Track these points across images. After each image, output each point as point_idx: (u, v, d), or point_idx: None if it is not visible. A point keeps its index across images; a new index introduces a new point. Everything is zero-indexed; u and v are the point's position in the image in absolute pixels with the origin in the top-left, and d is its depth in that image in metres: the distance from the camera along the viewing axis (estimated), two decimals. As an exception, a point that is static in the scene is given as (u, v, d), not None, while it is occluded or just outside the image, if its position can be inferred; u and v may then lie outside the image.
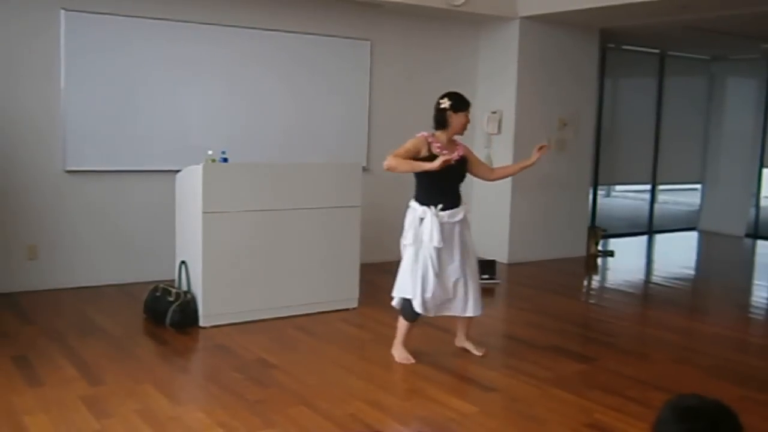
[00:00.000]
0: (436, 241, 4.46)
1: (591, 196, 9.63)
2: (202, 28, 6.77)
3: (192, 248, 5.44)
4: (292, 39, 7.24)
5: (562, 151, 8.51)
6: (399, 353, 4.75)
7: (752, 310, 6.85)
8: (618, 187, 16.02)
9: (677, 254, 9.86)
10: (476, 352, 4.90)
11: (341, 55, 7.57)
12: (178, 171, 5.75)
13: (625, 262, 8.86)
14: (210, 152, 5.61)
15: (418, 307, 4.54)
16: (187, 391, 4.37)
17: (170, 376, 4.51)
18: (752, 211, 11.05)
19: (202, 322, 5.37)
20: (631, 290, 7.45)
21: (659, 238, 10.88)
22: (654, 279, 8.27)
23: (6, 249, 6.21)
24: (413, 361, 4.70)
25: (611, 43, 9.69)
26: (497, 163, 8.20)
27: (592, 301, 7.18)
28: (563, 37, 8.37)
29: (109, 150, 6.48)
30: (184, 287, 5.52)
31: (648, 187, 11.33)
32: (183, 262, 5.58)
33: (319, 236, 5.80)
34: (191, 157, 5.96)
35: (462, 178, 4.69)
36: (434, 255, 4.50)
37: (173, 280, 5.67)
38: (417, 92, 7.94)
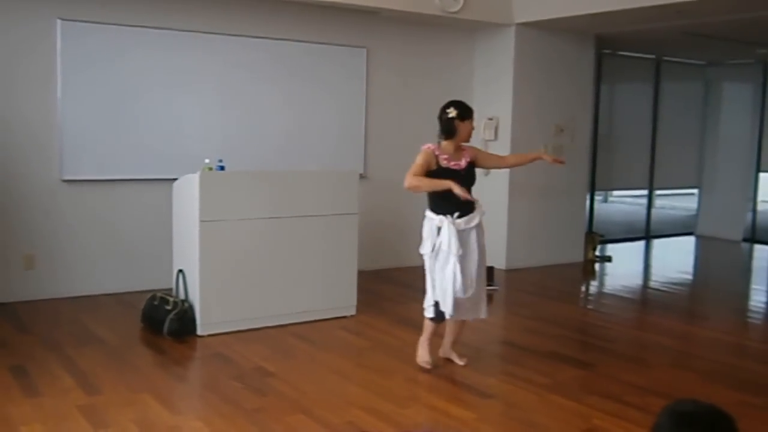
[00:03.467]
0: (454, 249, 4.50)
1: (588, 202, 9.64)
2: (198, 37, 6.78)
3: (189, 257, 5.44)
4: (289, 47, 7.25)
5: (558, 157, 8.49)
6: (422, 353, 4.79)
7: (750, 314, 6.86)
8: (615, 193, 16.02)
9: (675, 259, 9.87)
10: (459, 362, 4.87)
11: (337, 62, 7.58)
12: (175, 179, 5.75)
13: (622, 267, 8.86)
14: (207, 160, 5.61)
15: (446, 309, 4.59)
16: (185, 400, 4.37)
17: (168, 385, 4.50)
18: (749, 215, 11.06)
19: (199, 331, 5.36)
20: (628, 295, 7.45)
21: (656, 243, 10.88)
22: (652, 284, 8.27)
23: (3, 258, 6.20)
24: (429, 367, 4.71)
25: (607, 49, 9.72)
26: (494, 171, 8.23)
27: (590, 307, 7.19)
28: (559, 43, 8.39)
29: (106, 159, 6.48)
30: (182, 296, 5.51)
31: (645, 192, 11.35)
32: (180, 271, 5.57)
33: (316, 244, 5.80)
34: (188, 165, 5.96)
35: (473, 182, 4.73)
36: (454, 261, 4.52)
37: (171, 289, 5.66)
38: (413, 99, 7.95)
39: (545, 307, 6.67)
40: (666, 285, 7.96)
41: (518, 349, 5.32)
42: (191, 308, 5.40)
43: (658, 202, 12.50)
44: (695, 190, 11.75)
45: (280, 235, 5.63)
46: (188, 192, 5.41)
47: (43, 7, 6.14)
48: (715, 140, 11.23)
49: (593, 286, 8.22)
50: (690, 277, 8.90)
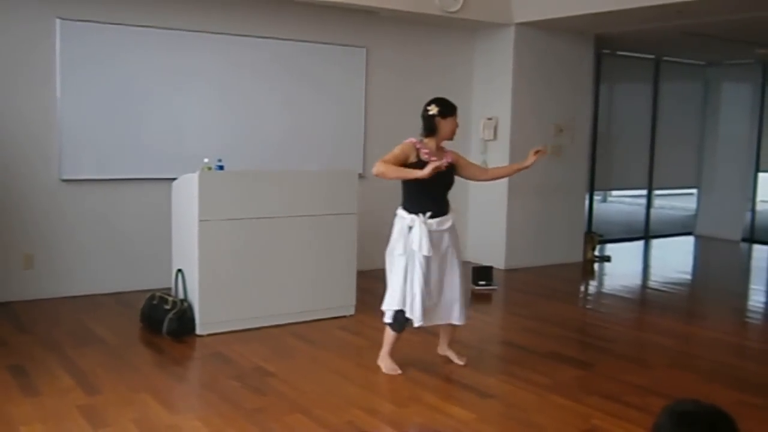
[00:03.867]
0: (425, 249, 4.40)
1: (587, 202, 9.64)
2: (197, 37, 6.77)
3: (188, 256, 5.43)
4: (288, 46, 7.25)
5: (558, 157, 8.52)
6: (386, 364, 4.69)
7: (749, 314, 6.86)
8: (614, 193, 16.03)
9: (674, 259, 9.87)
10: (458, 361, 4.84)
11: (337, 62, 7.58)
12: (174, 179, 5.75)
13: (621, 267, 8.87)
14: (206, 160, 5.61)
15: (413, 317, 4.47)
16: (184, 400, 4.37)
17: (167, 384, 4.49)
18: (748, 215, 11.06)
19: (198, 331, 5.36)
20: (628, 295, 7.45)
21: (656, 243, 10.89)
22: (651, 284, 8.28)
23: (2, 258, 6.19)
24: (400, 372, 4.65)
25: (606, 49, 9.72)
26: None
27: (589, 307, 7.19)
28: (558, 43, 8.39)
29: (105, 158, 6.48)
30: (181, 295, 5.51)
31: (644, 192, 11.36)
32: (179, 271, 5.57)
33: (315, 244, 5.80)
34: (187, 165, 5.96)
35: (450, 185, 4.63)
36: (424, 263, 4.44)
37: (170, 289, 5.66)
38: (413, 99, 7.88)
39: (544, 307, 6.66)
40: (665, 285, 7.96)
41: (518, 349, 5.32)
42: (190, 308, 5.40)
43: (657, 202, 12.52)
44: (694, 190, 11.76)
45: (280, 234, 5.63)
46: (187, 192, 5.41)
47: (43, 7, 6.14)
48: (714, 140, 11.24)
49: (592, 286, 8.23)
50: (689, 277, 8.90)
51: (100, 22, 6.34)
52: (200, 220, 5.26)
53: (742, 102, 11.03)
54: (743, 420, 1.84)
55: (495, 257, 8.15)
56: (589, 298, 7.71)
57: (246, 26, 7.02)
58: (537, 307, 6.62)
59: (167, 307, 5.34)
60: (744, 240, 10.82)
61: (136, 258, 6.67)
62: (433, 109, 4.54)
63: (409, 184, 4.50)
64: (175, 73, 6.72)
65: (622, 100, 10.60)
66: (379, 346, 4.74)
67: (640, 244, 10.84)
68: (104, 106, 6.43)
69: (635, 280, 8.38)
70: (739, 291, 7.91)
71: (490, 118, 8.28)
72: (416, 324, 4.50)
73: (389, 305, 4.57)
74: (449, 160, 4.60)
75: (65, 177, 6.35)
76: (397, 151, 4.46)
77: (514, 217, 8.26)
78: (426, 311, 4.52)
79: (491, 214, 8.31)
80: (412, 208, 4.50)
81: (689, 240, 11.19)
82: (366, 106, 7.80)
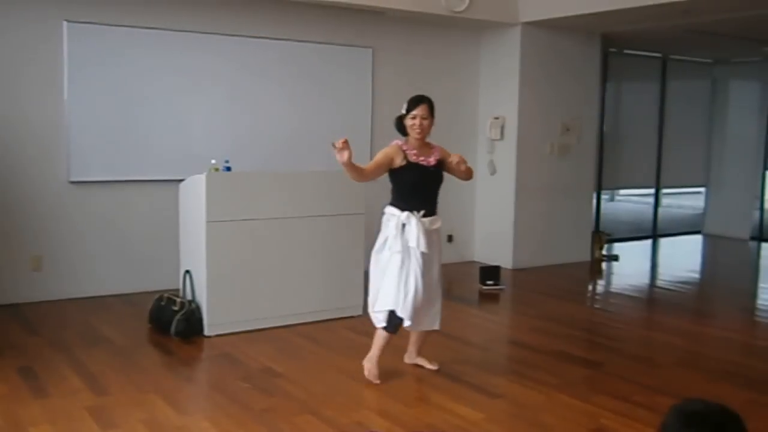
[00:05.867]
0: (423, 245, 4.33)
1: (595, 201, 9.61)
2: (204, 38, 6.79)
3: (196, 257, 5.45)
4: (295, 47, 7.25)
5: (565, 156, 8.51)
6: (371, 368, 4.52)
7: (758, 313, 6.84)
8: (622, 191, 16.00)
9: (682, 258, 9.84)
10: (431, 367, 4.73)
11: (343, 62, 7.58)
12: (181, 180, 5.76)
13: (629, 266, 8.85)
14: (213, 161, 5.62)
15: (405, 315, 4.35)
16: (192, 401, 4.38)
17: (176, 385, 4.50)
18: (756, 213, 11.02)
19: (207, 332, 5.37)
20: (636, 294, 7.44)
21: (664, 242, 10.86)
22: (659, 283, 8.25)
23: (10, 260, 6.22)
24: (378, 382, 4.46)
25: (613, 48, 9.69)
26: (501, 169, 8.23)
27: (597, 306, 7.17)
28: (565, 43, 8.37)
29: (112, 160, 6.50)
30: (189, 296, 5.52)
31: (652, 190, 11.32)
32: (187, 272, 5.58)
33: (323, 244, 5.80)
34: (195, 166, 5.96)
35: (440, 182, 4.54)
36: (421, 260, 4.36)
37: (178, 290, 5.68)
38: (419, 99, 7.93)
39: (552, 306, 6.65)
40: (673, 284, 7.94)
41: (526, 349, 5.32)
42: (198, 309, 5.41)
43: (665, 201, 12.48)
44: (702, 189, 11.73)
45: (287, 235, 5.64)
46: (195, 193, 5.42)
47: (50, 9, 6.16)
48: (722, 138, 11.20)
49: (600, 285, 8.21)
50: (697, 275, 8.87)
51: (107, 24, 6.36)
52: (208, 221, 5.27)
53: (749, 100, 10.99)
54: (752, 419, 1.84)
55: (503, 257, 8.14)
56: (597, 297, 7.70)
57: (253, 27, 7.03)
58: (545, 307, 6.61)
59: (175, 308, 5.35)
60: (752, 238, 10.78)
61: (143, 259, 6.68)
62: (403, 109, 4.50)
63: (398, 182, 4.45)
64: (182, 75, 6.73)
65: (629, 98, 10.57)
66: (388, 346, 4.68)
67: (648, 243, 10.82)
68: (111, 108, 6.45)
69: (643, 279, 8.36)
70: (747, 289, 7.88)
71: (497, 118, 8.27)
72: (407, 323, 4.39)
73: (383, 305, 4.42)
74: (437, 158, 4.50)
75: (73, 179, 6.37)
76: (379, 156, 4.45)
77: (522, 216, 8.24)
78: (416, 315, 4.41)
79: (498, 213, 8.30)
80: (404, 206, 4.41)
81: (697, 239, 11.15)
82: (373, 106, 7.80)
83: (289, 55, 7.24)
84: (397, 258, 4.38)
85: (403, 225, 4.39)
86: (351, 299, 5.97)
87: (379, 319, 4.51)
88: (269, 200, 5.57)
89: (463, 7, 7.47)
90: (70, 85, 6.26)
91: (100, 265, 6.56)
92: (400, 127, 4.52)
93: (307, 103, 7.39)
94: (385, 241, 4.47)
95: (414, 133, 4.44)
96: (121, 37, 6.43)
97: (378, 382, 4.48)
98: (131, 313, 6.01)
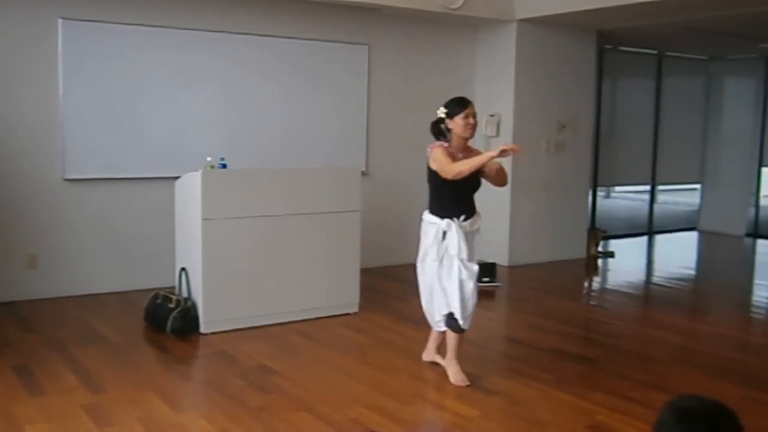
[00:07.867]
0: (464, 252, 4.35)
1: (590, 198, 9.63)
2: (199, 35, 6.77)
3: (192, 255, 5.44)
4: (290, 44, 7.25)
5: (560, 153, 8.51)
6: (456, 371, 4.47)
7: (753, 309, 6.85)
8: (617, 188, 16.02)
9: (677, 254, 9.86)
10: (443, 363, 4.68)
11: (339, 60, 7.58)
12: (177, 178, 5.75)
13: (625, 263, 8.86)
14: (209, 159, 5.62)
15: (459, 317, 4.38)
16: (188, 398, 4.37)
17: (172, 383, 4.50)
18: (752, 210, 11.04)
19: (202, 329, 5.37)
20: (631, 291, 7.45)
21: (659, 239, 10.88)
22: (655, 280, 8.27)
23: (6, 258, 6.20)
24: (469, 383, 4.42)
25: (609, 45, 9.70)
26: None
27: (593, 303, 7.18)
28: (560, 39, 8.38)
29: (108, 158, 6.48)
30: (185, 294, 5.52)
31: (647, 187, 11.34)
32: (183, 269, 5.58)
33: (319, 241, 5.80)
34: (190, 163, 5.96)
35: (478, 185, 4.55)
36: (459, 265, 4.36)
37: (173, 287, 5.67)
38: (415, 96, 7.95)
39: (548, 303, 6.66)
40: (669, 280, 7.95)
41: (522, 346, 5.32)
42: (194, 306, 5.41)
43: (660, 198, 12.49)
44: (698, 186, 11.74)
45: (283, 232, 5.63)
46: (190, 190, 5.41)
47: (45, 7, 6.14)
48: (717, 135, 11.21)
49: (596, 282, 8.22)
50: (693, 272, 8.89)
51: (102, 21, 6.34)
52: (203, 219, 5.27)
53: (745, 97, 11.00)
54: (747, 415, 1.84)
55: (498, 254, 8.14)
56: (592, 294, 7.71)
57: (248, 24, 7.02)
58: (541, 304, 6.62)
59: (171, 305, 5.35)
60: (748, 235, 10.80)
61: (139, 257, 6.68)
62: (441, 113, 4.42)
63: (439, 188, 4.41)
64: (177, 72, 6.72)
65: (624, 95, 10.57)
66: (383, 342, 4.73)
67: (644, 239, 10.83)
68: (107, 105, 6.44)
69: (639, 276, 8.38)
70: (743, 286, 7.90)
71: (492, 115, 8.27)
72: (461, 323, 4.40)
73: (436, 317, 4.55)
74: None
75: (68, 176, 6.35)
76: (443, 156, 4.30)
77: (518, 213, 8.25)
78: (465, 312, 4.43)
79: (494, 210, 8.27)
80: (443, 212, 4.40)
81: (693, 235, 11.17)
82: (368, 104, 7.80)
83: (284, 52, 7.23)
84: (434, 266, 4.42)
85: (444, 232, 4.39)
86: (347, 297, 5.97)
87: (439, 325, 4.58)
88: (265, 197, 5.57)
89: (458, 4, 7.47)
90: (65, 82, 6.25)
91: (95, 263, 6.54)
92: (439, 131, 4.44)
93: (302, 101, 7.38)
94: (427, 249, 4.47)
95: (467, 134, 4.40)
96: (115, 34, 6.41)
97: (468, 383, 4.40)
98: (127, 310, 6.00)
